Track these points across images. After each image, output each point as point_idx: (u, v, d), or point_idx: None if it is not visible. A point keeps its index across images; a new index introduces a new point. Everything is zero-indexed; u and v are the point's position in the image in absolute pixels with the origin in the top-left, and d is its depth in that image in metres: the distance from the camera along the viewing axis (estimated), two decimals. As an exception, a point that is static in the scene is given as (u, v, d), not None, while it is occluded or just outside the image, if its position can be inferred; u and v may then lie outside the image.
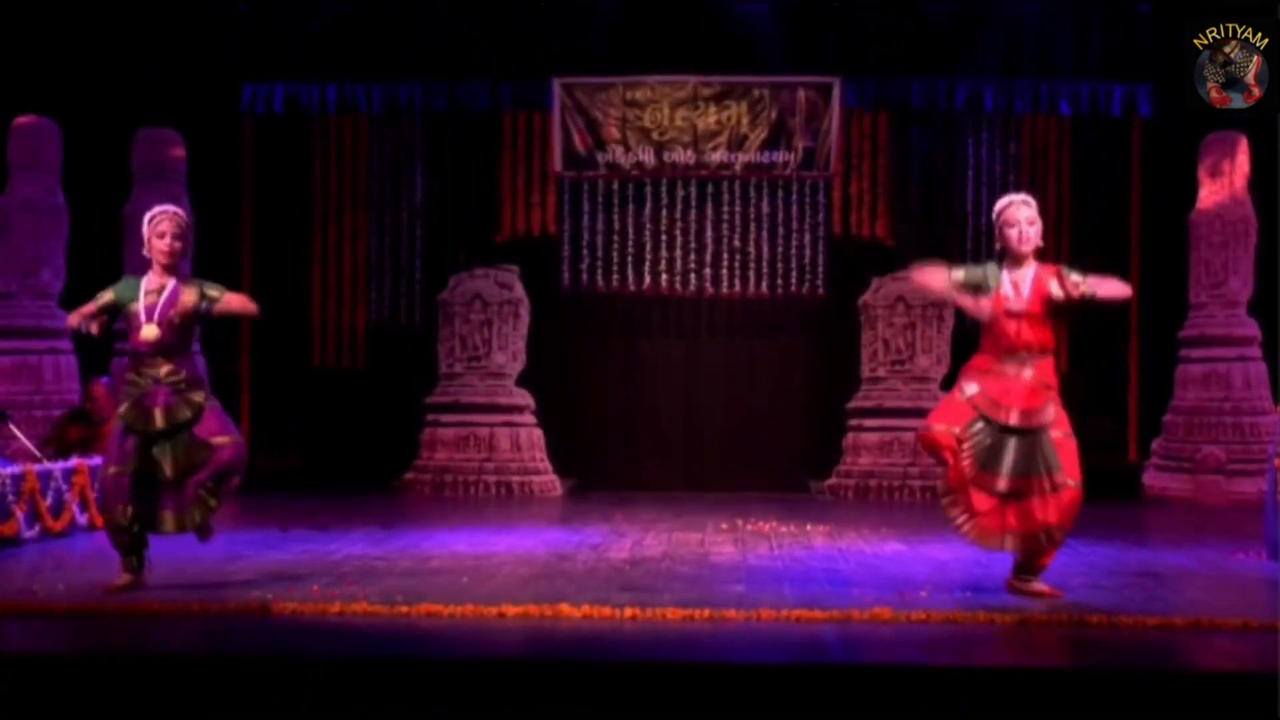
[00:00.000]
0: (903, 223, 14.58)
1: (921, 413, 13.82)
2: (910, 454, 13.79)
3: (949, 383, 14.05)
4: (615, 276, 14.65)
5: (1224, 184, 13.50)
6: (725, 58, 14.45)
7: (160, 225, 7.47)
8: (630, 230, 14.65)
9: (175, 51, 13.99)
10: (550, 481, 14.08)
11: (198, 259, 14.11)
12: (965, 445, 7.29)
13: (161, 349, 7.39)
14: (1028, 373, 7.33)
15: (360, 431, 14.56)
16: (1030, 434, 7.24)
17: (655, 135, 14.52)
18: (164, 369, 7.39)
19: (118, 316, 7.54)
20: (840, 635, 6.29)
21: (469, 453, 14.02)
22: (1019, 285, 7.36)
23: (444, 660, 5.84)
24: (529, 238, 14.71)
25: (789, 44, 14.35)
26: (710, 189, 14.68)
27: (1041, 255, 7.61)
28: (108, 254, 13.92)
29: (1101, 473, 14.10)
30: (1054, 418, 7.30)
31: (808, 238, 14.60)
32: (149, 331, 7.36)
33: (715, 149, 14.52)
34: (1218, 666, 5.85)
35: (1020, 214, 7.42)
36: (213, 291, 7.49)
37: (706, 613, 6.63)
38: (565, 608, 6.69)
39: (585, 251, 14.69)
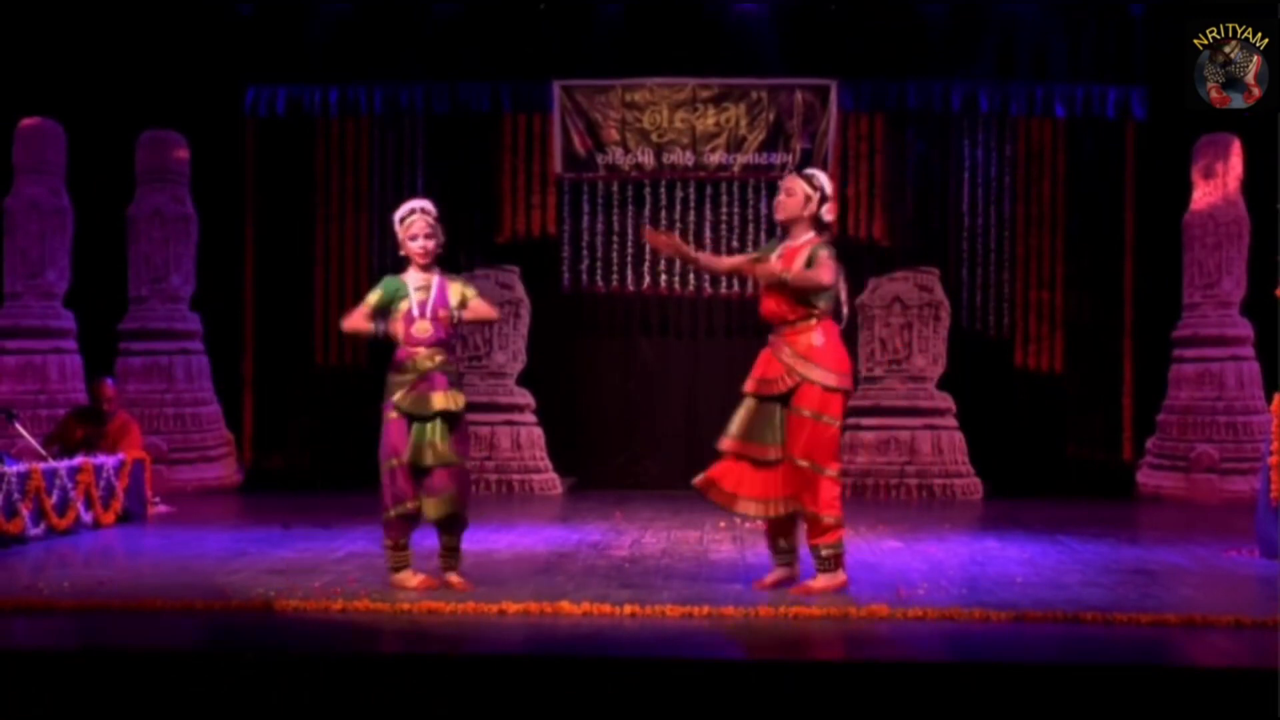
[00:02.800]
0: (899, 224, 14.64)
1: (918, 412, 14.02)
2: (907, 453, 13.87)
3: (945, 383, 14.17)
4: (615, 277, 14.69)
5: (1217, 185, 13.56)
6: (723, 60, 14.45)
7: (412, 228, 7.53)
8: (630, 231, 14.67)
9: (178, 54, 13.98)
10: (550, 480, 14.15)
11: (201, 260, 14.25)
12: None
13: (436, 343, 7.48)
14: (781, 344, 7.34)
15: (362, 430, 14.56)
16: (767, 402, 7.33)
17: (654, 137, 14.57)
18: (438, 358, 7.47)
19: (386, 315, 7.53)
20: (837, 632, 6.33)
21: (470, 451, 14.05)
22: (780, 258, 7.40)
23: (445, 657, 5.87)
24: (529, 238, 14.74)
25: (786, 47, 14.37)
26: (709, 190, 14.72)
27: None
28: (112, 255, 14.02)
29: (1096, 471, 14.29)
30: (803, 397, 7.26)
31: (805, 238, 14.63)
32: (422, 328, 7.44)
33: (714, 150, 14.56)
34: (1211, 663, 5.89)
35: (781, 185, 7.52)
36: (469, 291, 7.59)
37: (705, 610, 6.67)
38: (565, 605, 6.74)
39: (585, 252, 14.73)
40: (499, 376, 14.28)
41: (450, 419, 7.41)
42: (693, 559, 8.77)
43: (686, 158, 14.57)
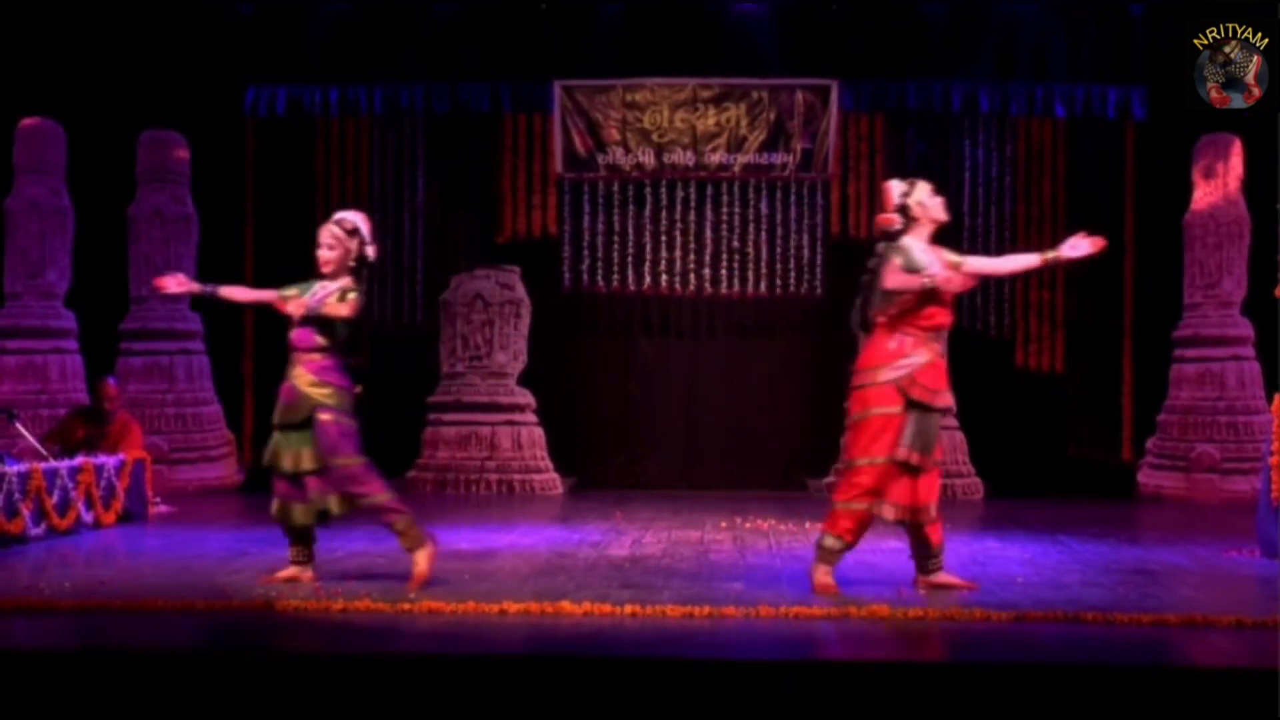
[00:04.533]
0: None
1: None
2: (908, 453, 13.87)
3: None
4: (615, 277, 14.72)
5: (1218, 185, 13.58)
6: (724, 60, 14.51)
7: (319, 236, 7.64)
8: (630, 231, 14.72)
9: (178, 54, 14.02)
10: (551, 480, 14.15)
11: (201, 260, 14.25)
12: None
13: (297, 344, 7.54)
14: (942, 351, 7.33)
15: (363, 430, 14.57)
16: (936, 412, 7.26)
17: (655, 137, 14.59)
18: (298, 366, 7.54)
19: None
20: (838, 632, 6.34)
21: (471, 451, 14.10)
22: (935, 260, 7.26)
23: (446, 657, 5.87)
24: (530, 238, 14.78)
25: (787, 47, 14.40)
26: (710, 190, 14.75)
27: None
28: (112, 255, 14.03)
29: (1096, 471, 14.31)
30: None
31: (806, 238, 14.68)
32: (296, 332, 7.54)
33: (714, 150, 14.59)
34: (1212, 663, 5.89)
35: (932, 187, 7.41)
36: (350, 295, 7.50)
37: (706, 610, 6.67)
38: (566, 605, 6.74)
39: (586, 252, 14.76)
40: (500, 376, 14.29)
41: (295, 429, 7.45)
42: (693, 559, 8.78)
43: (687, 158, 14.59)
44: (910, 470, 7.18)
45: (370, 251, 7.65)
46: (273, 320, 14.67)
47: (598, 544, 9.54)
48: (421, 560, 7.45)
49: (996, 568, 8.44)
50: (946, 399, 7.29)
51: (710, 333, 15.05)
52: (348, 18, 14.44)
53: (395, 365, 14.79)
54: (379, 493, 7.51)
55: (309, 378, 7.48)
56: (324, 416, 7.42)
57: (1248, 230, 13.46)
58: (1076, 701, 5.42)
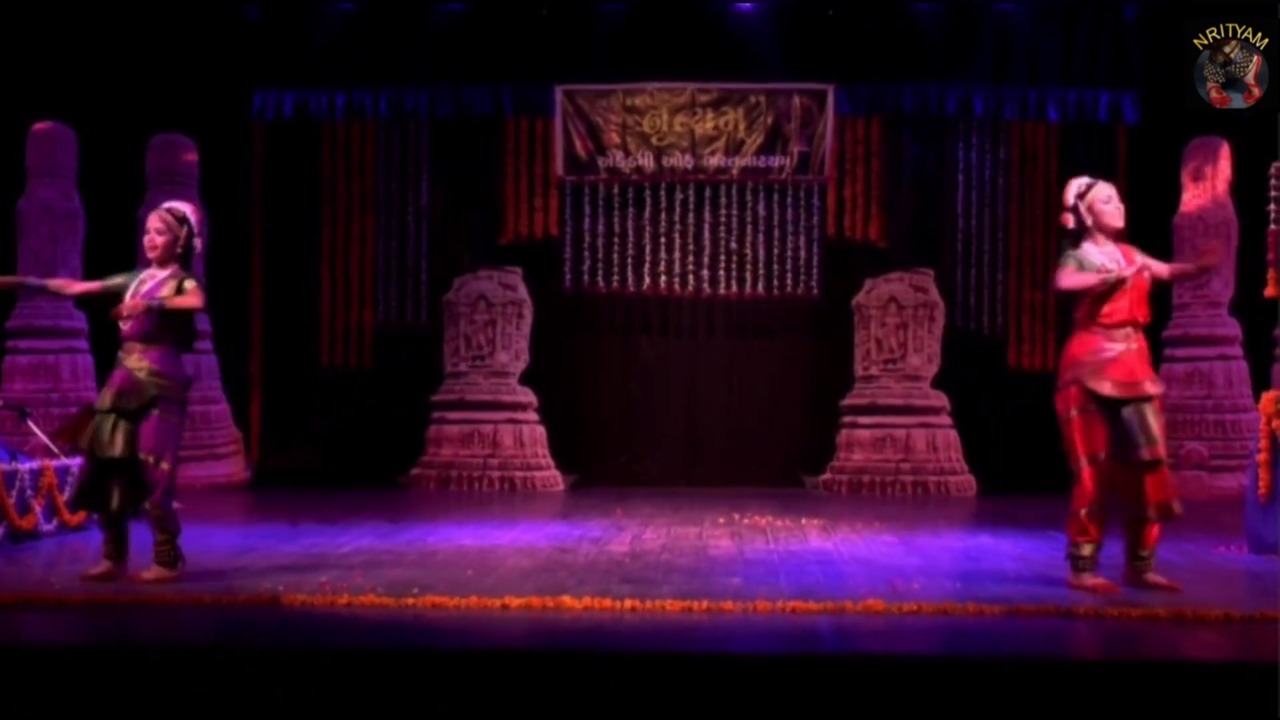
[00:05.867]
0: (895, 226, 14.75)
1: (913, 410, 14.11)
2: (902, 450, 13.97)
3: (940, 382, 14.25)
4: (616, 278, 14.81)
5: (1206, 188, 13.67)
6: (722, 64, 14.60)
7: (147, 223, 7.67)
8: (630, 233, 14.82)
9: (187, 59, 14.11)
10: (552, 477, 14.25)
11: (210, 261, 14.35)
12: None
13: (133, 334, 7.52)
14: (1134, 345, 7.42)
15: (368, 429, 14.75)
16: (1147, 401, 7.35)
17: (654, 140, 14.69)
18: (134, 355, 7.52)
19: (117, 299, 7.58)
20: (834, 626, 6.40)
21: (474, 449, 14.20)
22: (1117, 259, 7.37)
23: (449, 650, 5.93)
24: (532, 240, 14.86)
25: (785, 51, 14.48)
26: (708, 193, 14.84)
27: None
28: (123, 257, 14.11)
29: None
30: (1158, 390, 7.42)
31: (803, 240, 14.78)
32: (126, 321, 7.49)
33: (713, 154, 14.68)
34: (1200, 657, 5.94)
35: (1110, 192, 7.55)
36: (188, 284, 7.53)
37: (704, 604, 6.73)
38: (567, 600, 6.81)
39: (586, 253, 14.86)
40: (502, 375, 14.40)
41: (127, 415, 7.41)
42: (692, 554, 8.83)
43: (686, 161, 14.69)
44: (1144, 466, 7.33)
45: (197, 243, 7.71)
46: (280, 321, 14.95)
47: (598, 540, 9.60)
48: (152, 574, 7.41)
49: (990, 563, 8.51)
50: (1149, 387, 7.42)
51: (709, 332, 15.13)
52: (352, 22, 14.54)
53: (399, 364, 14.91)
54: (163, 506, 7.45)
55: (148, 367, 7.46)
56: (159, 413, 7.40)
57: (1235, 232, 13.54)
58: (1068, 695, 5.48)
